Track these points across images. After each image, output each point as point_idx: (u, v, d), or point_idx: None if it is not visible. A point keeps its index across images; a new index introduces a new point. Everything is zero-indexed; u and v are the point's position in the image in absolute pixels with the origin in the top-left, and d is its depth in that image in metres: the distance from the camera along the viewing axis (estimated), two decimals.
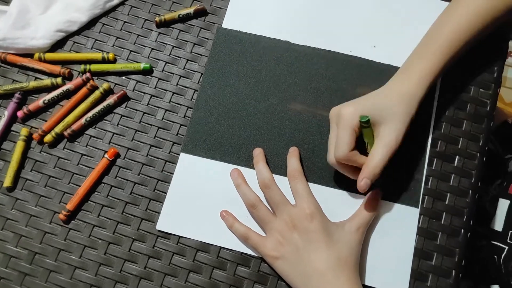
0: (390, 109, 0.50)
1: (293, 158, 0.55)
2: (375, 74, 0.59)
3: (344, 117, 0.50)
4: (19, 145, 0.56)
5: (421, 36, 0.56)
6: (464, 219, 0.54)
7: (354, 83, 0.58)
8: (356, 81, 0.59)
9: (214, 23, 0.62)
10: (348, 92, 0.59)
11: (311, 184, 0.55)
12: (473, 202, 0.54)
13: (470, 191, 0.55)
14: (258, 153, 0.56)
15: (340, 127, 0.50)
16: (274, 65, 0.60)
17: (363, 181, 0.49)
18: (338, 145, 0.50)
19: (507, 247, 0.66)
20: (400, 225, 0.54)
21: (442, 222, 0.54)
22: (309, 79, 0.59)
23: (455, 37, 0.54)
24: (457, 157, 0.56)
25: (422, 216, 0.54)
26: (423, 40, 0.56)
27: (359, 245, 0.51)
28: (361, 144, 0.51)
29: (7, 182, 0.55)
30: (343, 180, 0.54)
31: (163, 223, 0.54)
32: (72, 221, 0.54)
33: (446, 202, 0.54)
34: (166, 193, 0.55)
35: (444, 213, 0.54)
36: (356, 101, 0.52)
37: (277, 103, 0.58)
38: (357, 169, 0.51)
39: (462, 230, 0.53)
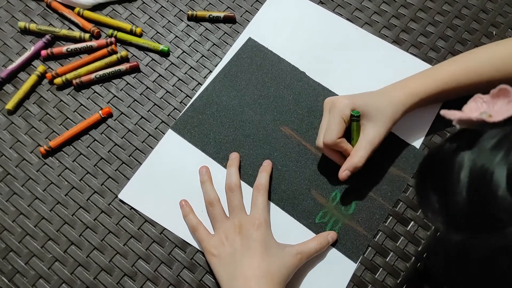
0: (379, 110, 0.55)
1: (263, 173, 0.58)
2: None
3: (338, 106, 0.55)
4: (32, 78, 0.62)
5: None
6: (398, 282, 0.55)
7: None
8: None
9: (238, 32, 0.67)
10: None
11: (271, 204, 0.58)
12: (413, 269, 0.55)
13: (413, 258, 0.56)
14: (234, 157, 0.60)
15: (332, 115, 0.55)
16: (283, 88, 0.64)
17: (344, 173, 0.55)
18: (328, 130, 0.55)
19: None
20: (334, 273, 0.55)
21: (376, 277, 0.55)
22: (309, 113, 0.63)
23: (462, 73, 0.57)
24: (412, 222, 0.57)
25: (359, 264, 0.55)
26: (435, 66, 0.60)
27: (292, 267, 0.52)
28: (347, 135, 0.56)
29: (9, 105, 0.61)
30: (300, 212, 0.57)
31: (126, 194, 0.58)
32: (50, 158, 0.59)
33: (387, 260, 0.56)
34: (139, 162, 0.59)
35: (381, 269, 0.55)
36: (351, 95, 0.57)
37: (270, 121, 0.62)
38: (342, 156, 0.57)
39: None
